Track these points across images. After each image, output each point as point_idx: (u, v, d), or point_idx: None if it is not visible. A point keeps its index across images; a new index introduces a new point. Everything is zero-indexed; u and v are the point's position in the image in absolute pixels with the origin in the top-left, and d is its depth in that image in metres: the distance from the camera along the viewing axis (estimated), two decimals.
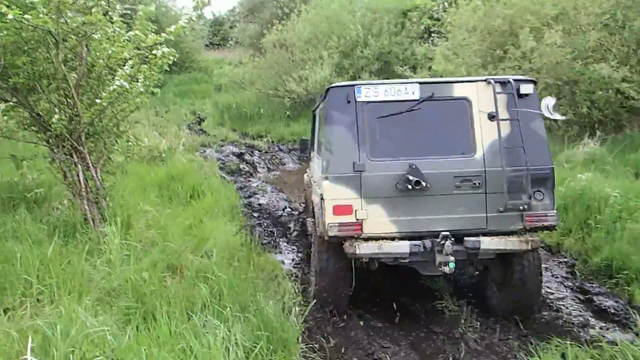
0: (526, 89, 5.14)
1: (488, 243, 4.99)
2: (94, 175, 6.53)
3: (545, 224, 5.06)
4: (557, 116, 5.12)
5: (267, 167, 15.72)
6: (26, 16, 5.58)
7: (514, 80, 5.20)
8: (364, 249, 5.01)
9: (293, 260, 7.99)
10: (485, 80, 5.21)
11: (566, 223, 8.16)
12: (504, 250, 5.05)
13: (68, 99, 6.39)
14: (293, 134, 18.48)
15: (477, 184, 5.05)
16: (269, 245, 8.52)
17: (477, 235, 5.04)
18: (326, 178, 5.08)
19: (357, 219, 5.02)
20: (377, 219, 5.04)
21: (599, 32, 11.82)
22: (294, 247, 8.61)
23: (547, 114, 5.03)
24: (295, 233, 9.26)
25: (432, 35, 17.50)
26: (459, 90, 5.20)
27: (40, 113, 6.37)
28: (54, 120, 6.07)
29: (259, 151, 17.45)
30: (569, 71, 12.05)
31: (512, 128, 5.09)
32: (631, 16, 11.73)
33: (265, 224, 10.00)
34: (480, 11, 14.08)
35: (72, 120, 6.36)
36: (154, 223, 6.83)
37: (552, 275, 7.22)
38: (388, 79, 16.91)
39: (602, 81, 11.53)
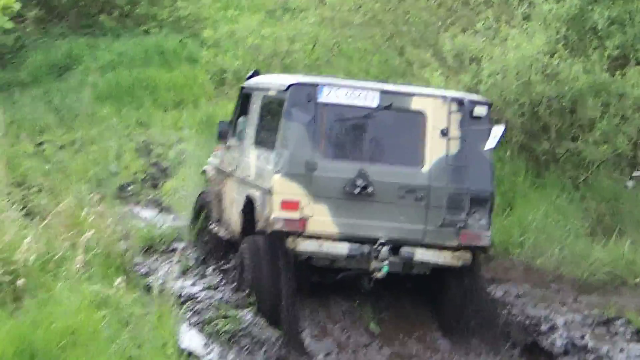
0: (479, 111, 5.26)
1: (422, 254, 5.15)
2: None
3: (479, 243, 5.25)
4: (493, 143, 5.19)
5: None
6: None
7: (469, 101, 5.30)
8: (305, 246, 5.09)
9: None
10: (442, 96, 5.34)
11: None
12: (436, 264, 5.26)
13: None
14: None
15: (420, 196, 5.18)
16: None
17: (413, 246, 5.16)
18: (278, 172, 5.08)
19: (302, 216, 5.06)
20: (321, 218, 5.10)
21: None
22: None
23: (491, 142, 5.18)
24: None
25: None
26: (416, 103, 5.30)
27: None
28: None
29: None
30: None
31: (460, 147, 5.19)
32: None
33: None
34: None
35: None
36: None
37: None
38: None
39: None
